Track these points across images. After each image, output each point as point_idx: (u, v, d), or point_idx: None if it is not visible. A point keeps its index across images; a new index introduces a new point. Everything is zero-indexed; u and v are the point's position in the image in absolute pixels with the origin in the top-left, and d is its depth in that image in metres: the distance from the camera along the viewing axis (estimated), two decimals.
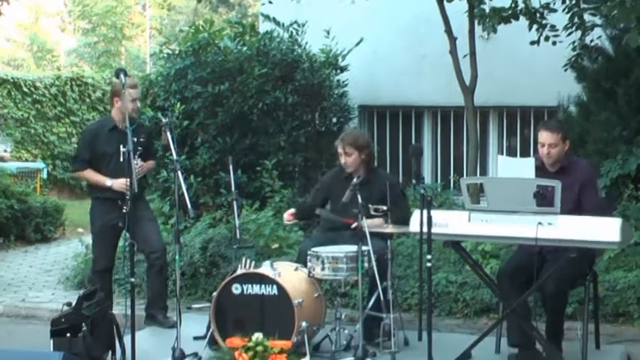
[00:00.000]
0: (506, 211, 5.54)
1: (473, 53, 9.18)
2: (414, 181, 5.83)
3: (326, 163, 10.01)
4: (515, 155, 10.41)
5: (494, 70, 9.99)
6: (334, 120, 10.61)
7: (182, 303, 6.69)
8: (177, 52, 10.32)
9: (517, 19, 8.88)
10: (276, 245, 8.45)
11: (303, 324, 5.99)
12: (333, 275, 6.19)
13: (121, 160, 6.40)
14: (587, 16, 8.87)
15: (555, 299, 5.85)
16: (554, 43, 8.92)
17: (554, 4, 8.91)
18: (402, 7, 10.79)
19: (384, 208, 6.32)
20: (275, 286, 6.05)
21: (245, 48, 10.10)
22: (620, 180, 8.70)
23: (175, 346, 6.05)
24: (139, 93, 7.22)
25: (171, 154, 6.48)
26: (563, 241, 5.44)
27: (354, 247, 6.08)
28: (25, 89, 16.81)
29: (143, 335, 6.61)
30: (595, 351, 6.23)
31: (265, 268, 6.21)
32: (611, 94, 9.11)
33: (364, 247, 6.03)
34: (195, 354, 6.12)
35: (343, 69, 10.61)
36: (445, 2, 9.10)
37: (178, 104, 9.75)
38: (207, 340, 6.25)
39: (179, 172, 6.19)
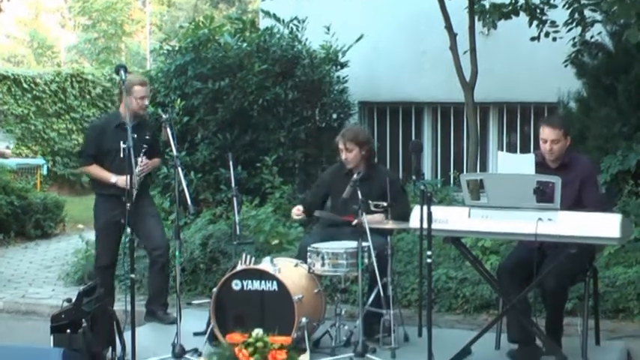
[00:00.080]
0: (506, 207, 5.54)
1: (473, 49, 9.17)
2: (414, 177, 5.83)
3: (326, 159, 10.00)
4: (515, 151, 10.40)
5: (495, 66, 9.99)
6: (334, 116, 10.60)
7: (182, 299, 6.69)
8: (177, 48, 10.30)
9: (517, 15, 8.88)
10: (276, 241, 8.46)
11: (303, 320, 6.00)
12: (333, 271, 6.20)
13: (121, 156, 6.41)
14: (587, 12, 8.87)
15: (555, 295, 5.85)
16: (554, 39, 8.92)
17: (555, 0, 8.92)
18: (402, 4, 10.78)
19: (384, 204, 6.32)
20: (275, 282, 6.05)
21: (245, 44, 10.10)
22: (620, 176, 8.70)
23: (175, 341, 6.06)
24: (148, 91, 7.18)
25: (172, 151, 6.49)
26: (563, 237, 5.44)
27: (354, 243, 6.09)
28: (25, 86, 16.81)
29: (143, 331, 6.61)
30: (595, 347, 6.23)
31: (265, 264, 6.21)
32: (611, 90, 9.11)
33: (364, 243, 6.03)
34: (196, 350, 6.12)
35: (343, 65, 10.61)
36: None
37: (178, 100, 9.75)
38: (207, 336, 6.26)
39: (179, 169, 6.19)
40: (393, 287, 6.37)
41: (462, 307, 7.50)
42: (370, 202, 6.29)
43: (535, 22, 8.96)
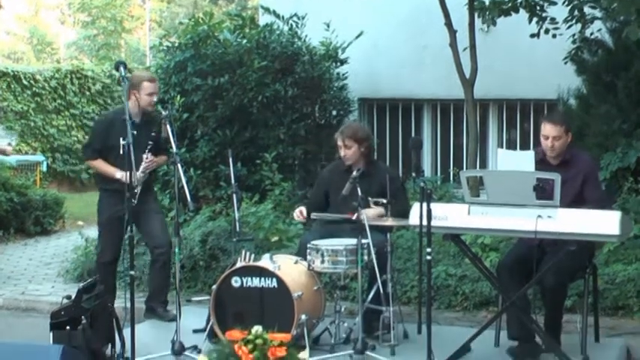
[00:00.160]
0: (505, 204, 5.54)
1: (473, 46, 9.17)
2: (413, 174, 5.84)
3: (326, 155, 10.01)
4: (515, 148, 10.41)
5: (494, 63, 9.98)
6: (334, 113, 10.61)
7: (182, 296, 6.68)
8: (176, 44, 10.29)
9: (517, 11, 8.87)
10: (275, 238, 8.45)
11: (303, 317, 6.00)
12: (332, 268, 6.20)
13: (121, 152, 6.39)
14: (587, 9, 8.88)
15: (555, 292, 5.85)
16: (554, 35, 8.91)
17: None
18: (402, 1, 10.78)
19: (384, 200, 6.32)
20: (274, 279, 6.05)
21: (245, 41, 10.09)
22: (619, 173, 8.70)
23: (175, 338, 6.05)
24: (156, 87, 7.15)
25: (171, 147, 6.48)
26: (562, 234, 5.44)
27: (353, 240, 6.08)
28: (24, 82, 16.78)
29: (143, 328, 6.62)
30: (594, 344, 6.22)
31: (265, 261, 6.20)
32: (611, 87, 9.11)
33: (364, 240, 6.03)
34: (195, 347, 6.12)
35: (343, 62, 10.60)
36: None
37: (178, 97, 9.74)
38: (206, 333, 6.26)
39: (179, 165, 6.18)
40: (393, 284, 6.36)
41: (462, 304, 7.50)
42: (370, 198, 6.29)
43: (535, 19, 8.96)
